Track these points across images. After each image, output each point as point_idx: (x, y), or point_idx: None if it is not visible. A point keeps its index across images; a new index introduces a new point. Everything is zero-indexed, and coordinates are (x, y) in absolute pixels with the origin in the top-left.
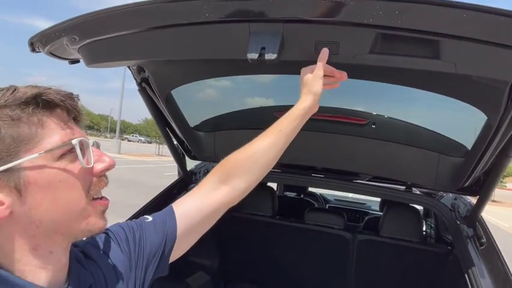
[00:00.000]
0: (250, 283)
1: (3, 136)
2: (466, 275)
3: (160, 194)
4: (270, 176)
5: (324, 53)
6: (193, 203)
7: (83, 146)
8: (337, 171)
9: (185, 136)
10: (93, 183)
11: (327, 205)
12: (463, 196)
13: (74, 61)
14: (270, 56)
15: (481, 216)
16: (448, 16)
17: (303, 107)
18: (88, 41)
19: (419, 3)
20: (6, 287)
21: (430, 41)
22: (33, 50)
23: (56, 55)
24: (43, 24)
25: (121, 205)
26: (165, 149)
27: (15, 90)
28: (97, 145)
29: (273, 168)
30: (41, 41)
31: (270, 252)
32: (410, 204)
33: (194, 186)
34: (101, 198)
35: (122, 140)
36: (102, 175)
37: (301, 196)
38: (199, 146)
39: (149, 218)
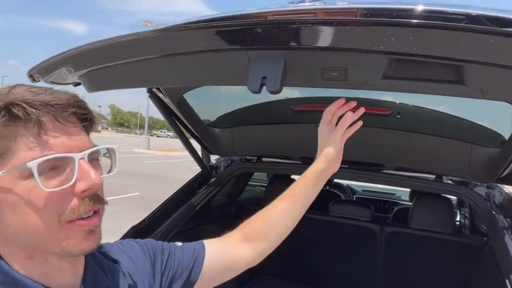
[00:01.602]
0: (275, 277)
1: None
2: (502, 268)
3: (181, 188)
4: (294, 169)
5: (348, 117)
6: (219, 246)
7: (62, 161)
8: (363, 163)
9: (201, 134)
10: (71, 204)
11: (355, 196)
12: (500, 185)
13: (78, 84)
14: (272, 87)
15: None
16: (471, 42)
17: (316, 169)
18: (85, 71)
19: (436, 28)
20: (17, 286)
21: (453, 66)
22: (33, 80)
23: (57, 83)
24: (75, 27)
25: (150, 200)
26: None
27: (3, 95)
28: (95, 156)
29: (295, 160)
30: (39, 73)
31: (295, 245)
32: (441, 195)
33: (214, 180)
34: (87, 218)
35: (151, 136)
36: (85, 195)
37: (327, 188)
38: (216, 142)
39: (180, 243)
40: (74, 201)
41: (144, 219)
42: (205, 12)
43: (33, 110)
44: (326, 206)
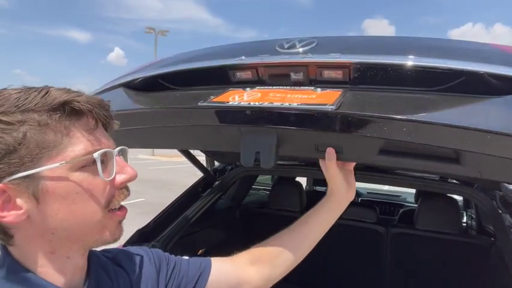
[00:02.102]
0: (282, 280)
1: (29, 141)
2: (510, 268)
3: (185, 192)
4: (298, 171)
5: (330, 153)
6: (226, 265)
7: (106, 158)
8: (369, 166)
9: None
10: (113, 195)
11: (359, 199)
12: (506, 184)
13: None
14: (266, 163)
15: None
16: (467, 137)
17: (327, 202)
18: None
19: (429, 124)
20: (29, 286)
21: (452, 151)
22: None
23: None
24: (79, 35)
25: (155, 205)
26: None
27: (46, 93)
28: (123, 153)
29: (299, 162)
30: None
31: None
32: (447, 195)
33: (218, 184)
34: (120, 208)
35: None
36: (123, 187)
37: None
38: (221, 154)
39: (186, 257)
40: (116, 192)
41: (149, 223)
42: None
43: (93, 108)
44: None
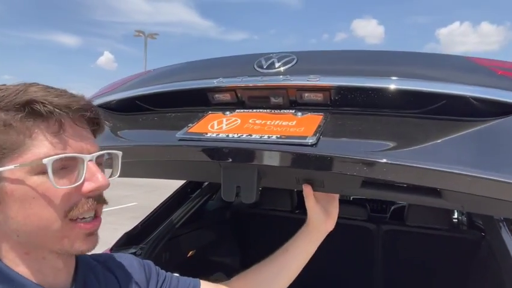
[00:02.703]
0: None
1: None
2: (500, 261)
3: (173, 194)
4: None
5: (307, 190)
6: None
7: (72, 161)
8: None
9: None
10: (78, 203)
11: (351, 197)
12: None
13: None
14: (248, 198)
15: None
16: (446, 179)
17: (305, 231)
18: None
19: (407, 166)
20: (10, 285)
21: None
22: None
23: None
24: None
25: (147, 209)
26: None
27: (22, 91)
28: (114, 158)
29: None
30: None
31: None
32: None
33: (207, 184)
34: (86, 219)
35: None
36: (91, 196)
37: None
38: None
39: (176, 275)
40: (80, 200)
41: (137, 226)
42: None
43: (56, 110)
44: None
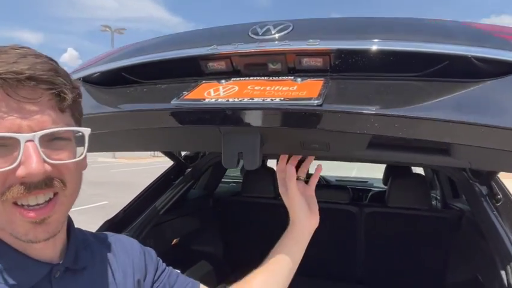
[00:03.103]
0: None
1: None
2: (485, 233)
3: (156, 180)
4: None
5: (291, 172)
6: None
7: (11, 140)
8: None
9: None
10: (11, 187)
11: (334, 180)
12: None
13: None
14: (250, 164)
15: (498, 176)
16: (459, 131)
17: (288, 232)
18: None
19: (419, 119)
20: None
21: (440, 143)
22: None
23: None
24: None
25: (119, 208)
26: None
27: None
28: (69, 135)
29: None
30: None
31: (276, 233)
32: (416, 172)
33: (191, 171)
34: (33, 206)
35: None
36: (25, 181)
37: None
38: None
39: (177, 271)
40: (15, 185)
41: (118, 213)
42: (167, 19)
43: None
44: None
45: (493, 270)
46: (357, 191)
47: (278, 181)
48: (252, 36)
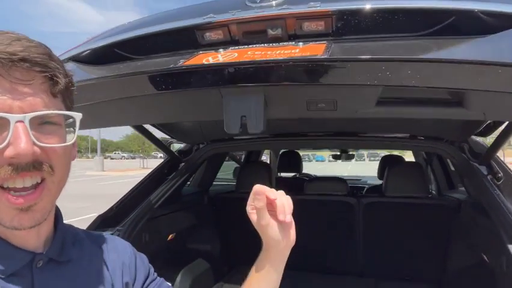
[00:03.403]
0: None
1: None
2: (489, 211)
3: (149, 174)
4: (265, 144)
5: (260, 197)
6: None
7: (1, 120)
8: (341, 133)
9: (167, 127)
10: (0, 166)
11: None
12: (474, 137)
13: None
14: (254, 127)
15: (497, 156)
16: (475, 73)
17: (268, 264)
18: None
19: (436, 62)
20: None
21: (454, 92)
22: None
23: None
24: None
25: None
26: (150, 161)
27: None
28: (60, 120)
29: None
30: None
31: None
32: (412, 161)
33: (185, 165)
34: (20, 192)
35: (105, 158)
36: (12, 162)
37: (297, 176)
38: (185, 133)
39: (168, 283)
40: (2, 166)
41: (111, 207)
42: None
43: None
44: (299, 192)
45: (499, 246)
46: (351, 188)
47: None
48: (249, 4)
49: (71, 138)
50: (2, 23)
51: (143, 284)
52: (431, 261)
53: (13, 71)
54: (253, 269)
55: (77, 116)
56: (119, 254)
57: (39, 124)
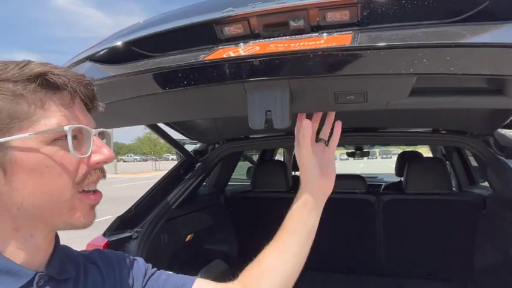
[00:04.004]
0: None
1: (0, 111)
2: None
3: (166, 175)
4: (281, 141)
5: (306, 126)
6: (211, 286)
7: (82, 135)
8: (359, 129)
9: (182, 126)
10: (86, 175)
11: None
12: (500, 130)
13: None
14: (280, 123)
15: None
16: None
17: (298, 198)
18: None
19: (477, 46)
20: None
21: (494, 79)
22: None
23: None
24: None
25: None
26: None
27: (25, 65)
28: (106, 137)
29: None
30: None
31: None
32: (432, 156)
33: (201, 165)
34: (93, 192)
35: (118, 161)
36: (97, 167)
37: None
38: (200, 131)
39: (170, 272)
40: (89, 172)
41: (130, 209)
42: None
43: (70, 83)
44: None
45: None
46: (369, 186)
47: (295, 142)
48: None
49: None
50: (12, 30)
51: (142, 284)
52: (454, 259)
53: (85, 94)
54: (288, 214)
55: (111, 132)
56: (114, 267)
57: None
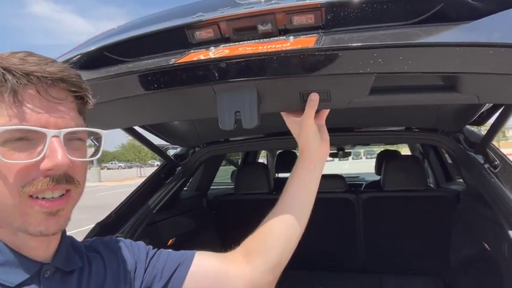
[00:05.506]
0: None
1: None
2: (488, 199)
3: (146, 180)
4: (262, 144)
5: (314, 99)
6: (213, 259)
7: (35, 134)
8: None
9: (161, 130)
10: (34, 180)
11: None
12: (469, 127)
13: None
14: (249, 123)
15: (493, 144)
16: (467, 55)
17: (300, 163)
18: None
19: (428, 46)
20: None
21: (447, 76)
22: None
23: None
24: None
25: None
26: (147, 170)
27: (4, 58)
28: (84, 137)
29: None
30: None
31: None
32: (409, 154)
33: (181, 169)
34: (44, 199)
35: (102, 169)
36: (49, 174)
37: None
38: (179, 134)
39: (169, 250)
40: (38, 178)
41: (110, 214)
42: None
43: (10, 78)
44: None
45: (499, 233)
46: (349, 186)
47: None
48: (239, 1)
49: (90, 153)
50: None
51: (145, 265)
52: (432, 254)
53: (51, 89)
54: (290, 177)
55: (103, 133)
56: (117, 255)
57: (69, 140)
